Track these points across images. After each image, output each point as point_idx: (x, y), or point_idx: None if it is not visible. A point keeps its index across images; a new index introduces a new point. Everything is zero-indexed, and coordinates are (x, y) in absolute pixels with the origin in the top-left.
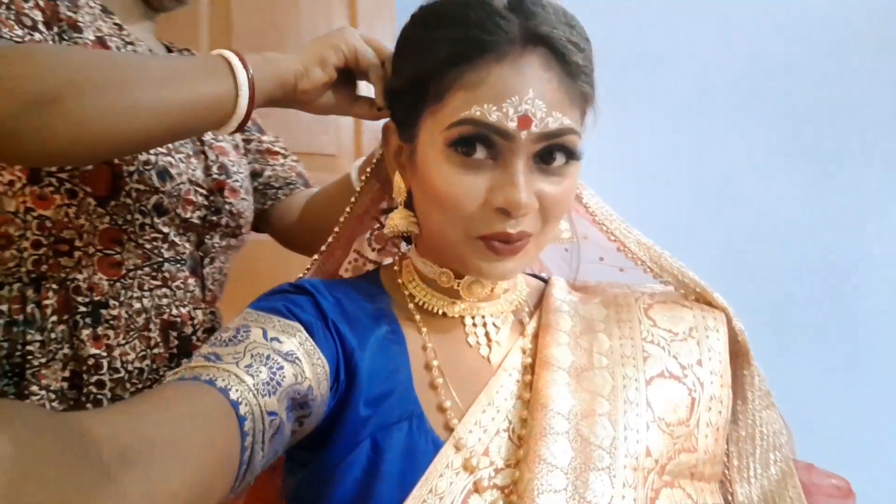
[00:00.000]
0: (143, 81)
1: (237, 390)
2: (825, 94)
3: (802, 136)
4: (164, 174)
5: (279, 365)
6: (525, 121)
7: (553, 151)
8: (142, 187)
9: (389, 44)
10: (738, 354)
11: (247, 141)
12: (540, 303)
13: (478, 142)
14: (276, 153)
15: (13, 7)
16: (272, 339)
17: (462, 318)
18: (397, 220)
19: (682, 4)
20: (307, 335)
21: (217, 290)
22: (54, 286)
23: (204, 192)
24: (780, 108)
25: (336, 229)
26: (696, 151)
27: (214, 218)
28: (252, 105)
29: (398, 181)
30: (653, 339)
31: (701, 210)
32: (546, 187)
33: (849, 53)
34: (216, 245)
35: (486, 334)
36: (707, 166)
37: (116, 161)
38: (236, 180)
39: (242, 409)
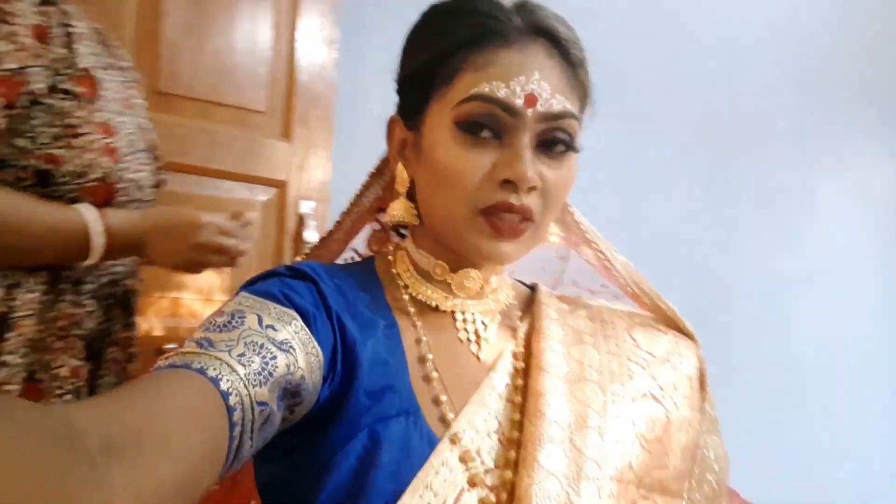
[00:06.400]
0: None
1: (228, 380)
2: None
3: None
4: (141, 185)
5: (272, 354)
6: (531, 99)
7: (555, 137)
8: (125, 199)
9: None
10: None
11: None
12: (529, 308)
13: (484, 122)
14: None
15: None
16: (267, 326)
17: (453, 313)
18: (398, 210)
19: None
20: (303, 324)
21: None
22: None
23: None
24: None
25: (338, 220)
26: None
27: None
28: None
29: (401, 172)
30: (637, 360)
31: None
32: (547, 171)
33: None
34: None
35: (476, 331)
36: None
37: (112, 179)
38: None
39: (232, 400)
